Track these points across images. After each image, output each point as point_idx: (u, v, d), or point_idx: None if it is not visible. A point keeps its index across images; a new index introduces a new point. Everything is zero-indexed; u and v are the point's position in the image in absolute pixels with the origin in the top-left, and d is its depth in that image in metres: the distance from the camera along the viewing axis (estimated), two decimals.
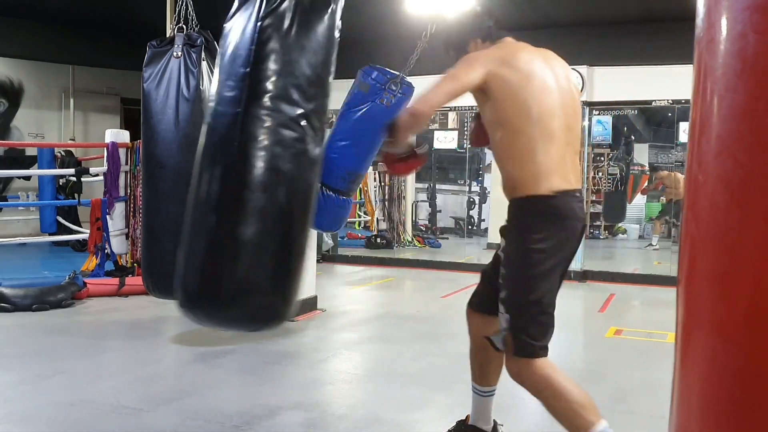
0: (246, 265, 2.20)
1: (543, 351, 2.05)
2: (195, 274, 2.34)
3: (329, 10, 2.28)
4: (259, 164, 2.16)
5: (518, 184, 2.08)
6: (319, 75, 2.24)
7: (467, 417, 2.45)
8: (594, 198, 12.04)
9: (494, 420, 2.44)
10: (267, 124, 2.16)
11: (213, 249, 2.27)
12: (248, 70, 2.17)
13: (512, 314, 2.06)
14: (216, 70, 2.36)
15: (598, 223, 12.42)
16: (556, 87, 2.12)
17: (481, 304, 2.37)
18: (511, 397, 3.12)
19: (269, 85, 2.17)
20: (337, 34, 2.31)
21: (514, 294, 2.07)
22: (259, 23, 2.18)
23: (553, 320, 2.09)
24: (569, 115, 2.13)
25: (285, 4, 2.20)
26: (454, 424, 2.48)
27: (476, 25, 2.29)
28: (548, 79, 2.12)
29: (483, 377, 2.38)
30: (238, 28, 2.27)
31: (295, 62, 2.20)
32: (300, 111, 2.18)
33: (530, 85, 2.06)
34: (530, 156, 2.05)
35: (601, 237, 12.43)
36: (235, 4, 2.34)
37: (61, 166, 8.02)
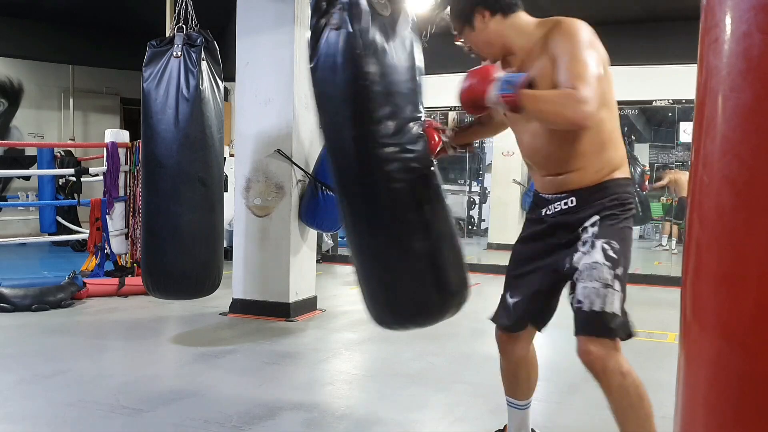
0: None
1: None
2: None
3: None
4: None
5: (614, 165, 1.98)
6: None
7: (504, 428, 2.38)
8: None
9: (532, 429, 2.36)
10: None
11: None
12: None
13: (624, 292, 1.90)
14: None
15: None
16: None
17: (523, 321, 2.16)
18: None
19: None
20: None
21: (625, 275, 1.93)
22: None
23: None
24: None
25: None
26: None
27: None
28: None
29: (523, 392, 2.27)
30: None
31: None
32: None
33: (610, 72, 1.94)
34: (620, 138, 2.01)
35: None
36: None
37: (61, 166, 8.02)
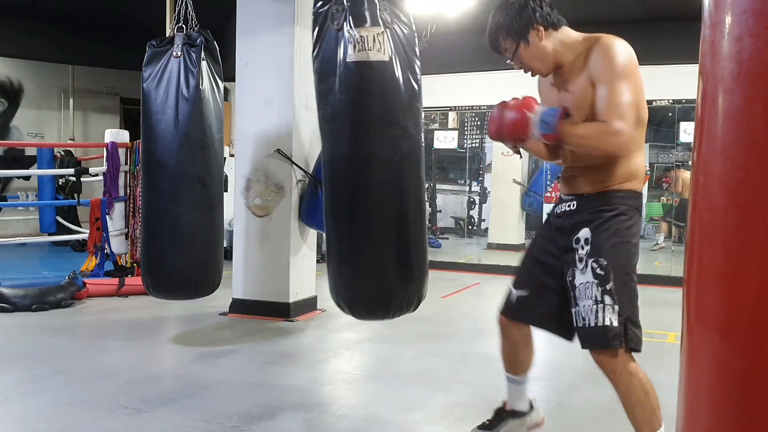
0: None
1: (641, 342, 2.05)
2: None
3: None
4: None
5: (623, 177, 2.06)
6: None
7: (504, 403, 2.48)
8: None
9: (530, 399, 2.49)
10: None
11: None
12: None
13: (622, 305, 2.01)
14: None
15: None
16: None
17: (529, 316, 2.30)
18: None
19: None
20: None
21: (623, 285, 2.03)
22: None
23: None
24: None
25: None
26: (493, 413, 2.48)
27: (538, 9, 2.10)
28: None
29: (522, 368, 2.40)
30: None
31: None
32: None
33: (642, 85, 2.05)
34: (638, 151, 2.08)
35: None
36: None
37: (61, 166, 8.01)
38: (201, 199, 3.79)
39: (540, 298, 2.25)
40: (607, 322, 2.00)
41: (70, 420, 2.73)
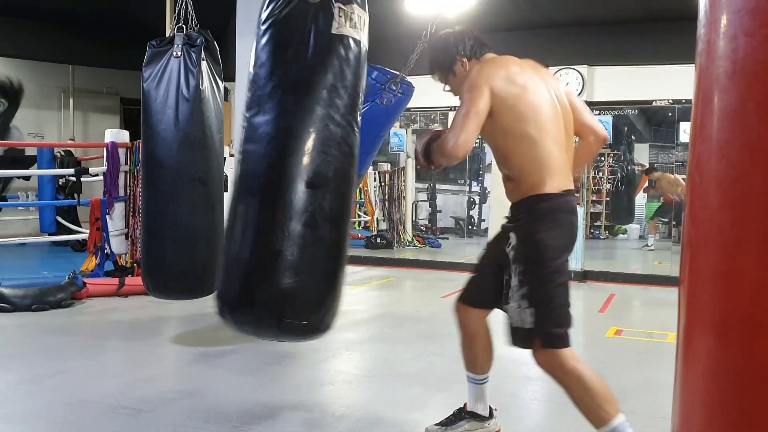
0: None
1: (568, 340, 2.15)
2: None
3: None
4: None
5: (530, 184, 2.19)
6: None
7: (465, 404, 2.57)
8: (594, 198, 12.04)
9: (490, 406, 2.56)
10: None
11: None
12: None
13: (537, 307, 2.15)
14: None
15: (598, 223, 12.41)
16: (548, 95, 2.26)
17: (479, 299, 2.44)
18: (512, 397, 3.13)
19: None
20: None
21: (538, 288, 2.16)
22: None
23: (570, 310, 2.21)
24: (567, 120, 2.29)
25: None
26: (453, 411, 2.59)
27: (460, 44, 2.38)
28: (540, 87, 2.25)
29: (480, 366, 2.49)
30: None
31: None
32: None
33: (527, 95, 2.19)
34: (539, 159, 2.19)
35: (601, 237, 12.40)
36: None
37: (61, 166, 8.02)
38: (201, 199, 3.79)
39: (486, 281, 2.40)
40: (527, 324, 2.15)
41: (70, 420, 2.73)
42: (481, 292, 2.42)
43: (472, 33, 2.42)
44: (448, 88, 2.47)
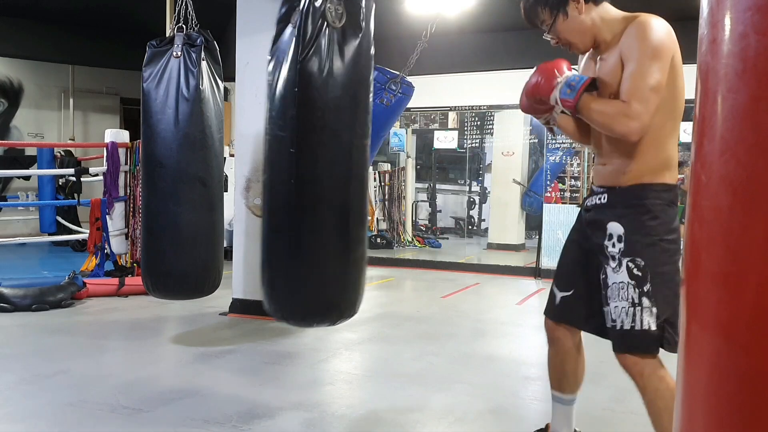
0: None
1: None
2: None
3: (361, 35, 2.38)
4: None
5: (651, 168, 1.94)
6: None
7: (547, 426, 2.36)
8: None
9: (575, 429, 2.33)
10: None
11: None
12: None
13: (661, 307, 1.89)
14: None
15: None
16: None
17: (574, 314, 2.17)
18: (512, 397, 3.13)
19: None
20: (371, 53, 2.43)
21: (661, 285, 1.91)
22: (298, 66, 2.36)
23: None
24: None
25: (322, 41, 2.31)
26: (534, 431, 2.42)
27: None
28: None
29: (569, 385, 2.26)
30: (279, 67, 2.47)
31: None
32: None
33: (681, 69, 1.92)
34: (674, 145, 1.97)
35: None
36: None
37: (61, 166, 8.02)
38: (201, 199, 3.79)
39: (581, 297, 2.14)
40: (645, 326, 1.90)
41: (70, 420, 2.73)
42: (578, 303, 2.15)
43: None
44: (549, 36, 2.09)
